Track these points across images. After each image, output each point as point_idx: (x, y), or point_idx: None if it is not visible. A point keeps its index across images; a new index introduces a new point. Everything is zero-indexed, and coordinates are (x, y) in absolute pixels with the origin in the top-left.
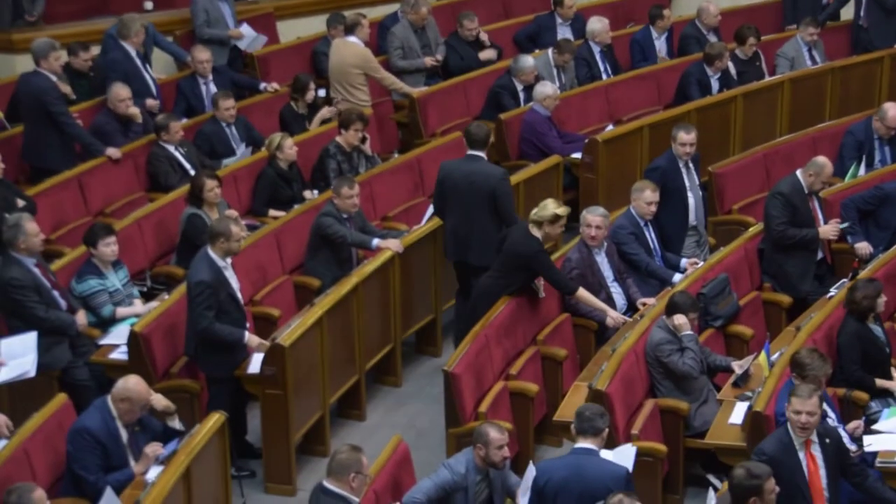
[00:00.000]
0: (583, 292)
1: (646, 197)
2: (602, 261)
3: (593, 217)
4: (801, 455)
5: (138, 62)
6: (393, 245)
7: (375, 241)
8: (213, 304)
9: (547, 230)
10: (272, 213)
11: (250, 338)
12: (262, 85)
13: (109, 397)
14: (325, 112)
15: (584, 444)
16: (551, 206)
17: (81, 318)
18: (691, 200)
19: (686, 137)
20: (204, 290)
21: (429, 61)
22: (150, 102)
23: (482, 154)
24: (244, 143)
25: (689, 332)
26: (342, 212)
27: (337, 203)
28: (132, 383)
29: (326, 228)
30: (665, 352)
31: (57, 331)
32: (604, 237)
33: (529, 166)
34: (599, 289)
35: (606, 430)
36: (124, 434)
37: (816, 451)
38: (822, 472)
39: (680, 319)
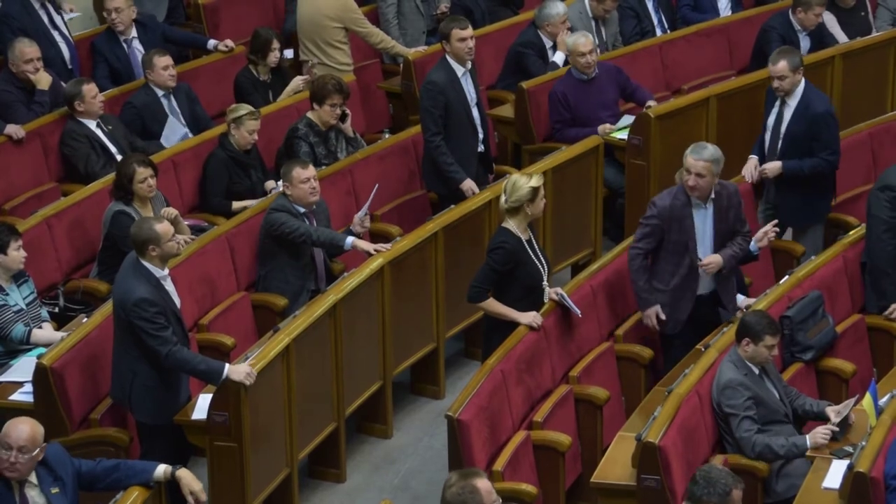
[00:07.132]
0: (492, 303)
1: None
2: (703, 220)
3: (695, 161)
4: None
5: (42, 14)
6: (377, 245)
7: (350, 240)
8: (167, 322)
9: (530, 211)
10: (237, 205)
11: (232, 369)
12: (212, 42)
13: None
14: (297, 82)
15: None
16: (523, 182)
17: None
18: None
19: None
20: (148, 309)
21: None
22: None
23: None
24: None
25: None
26: (298, 204)
27: (290, 193)
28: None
29: (279, 226)
30: (730, 399)
31: None
32: (709, 190)
33: (560, 150)
34: (684, 252)
35: None
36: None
37: None
38: None
39: None
